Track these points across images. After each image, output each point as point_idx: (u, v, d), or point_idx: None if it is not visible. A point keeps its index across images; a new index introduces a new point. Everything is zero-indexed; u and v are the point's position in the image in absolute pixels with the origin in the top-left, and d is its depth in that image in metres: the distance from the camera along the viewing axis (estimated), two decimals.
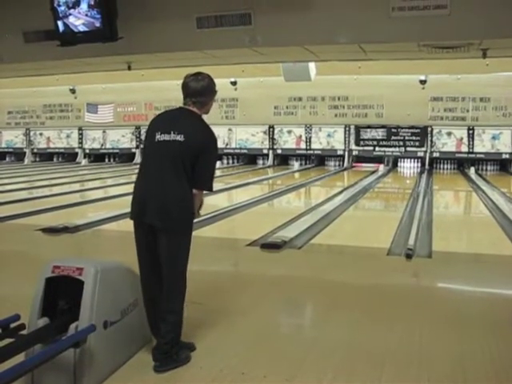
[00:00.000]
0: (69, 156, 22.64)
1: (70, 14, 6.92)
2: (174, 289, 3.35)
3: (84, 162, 21.81)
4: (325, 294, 4.90)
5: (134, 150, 21.77)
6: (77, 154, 22.45)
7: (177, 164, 3.27)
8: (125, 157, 21.88)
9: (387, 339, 3.83)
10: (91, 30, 6.94)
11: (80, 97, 21.73)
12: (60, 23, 6.99)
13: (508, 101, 17.67)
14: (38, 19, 7.22)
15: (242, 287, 5.02)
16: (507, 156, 18.04)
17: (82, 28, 6.97)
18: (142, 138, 21.50)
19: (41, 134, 22.94)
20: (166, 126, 3.39)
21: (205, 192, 3.46)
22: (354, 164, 19.50)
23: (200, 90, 3.41)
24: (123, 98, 21.28)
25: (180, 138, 3.29)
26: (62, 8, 6.92)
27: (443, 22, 5.99)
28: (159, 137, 3.37)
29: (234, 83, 19.35)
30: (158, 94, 20.46)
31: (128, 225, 8.17)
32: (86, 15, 6.88)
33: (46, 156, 23.02)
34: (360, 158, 19.66)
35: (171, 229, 3.30)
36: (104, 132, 22.15)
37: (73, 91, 21.49)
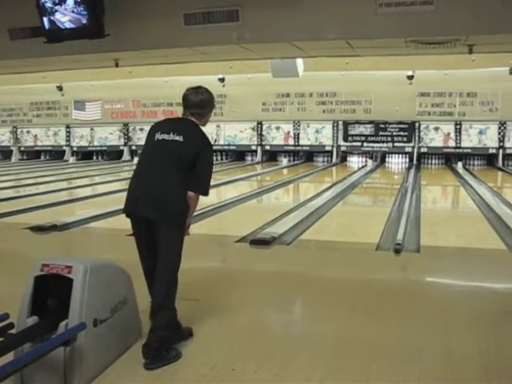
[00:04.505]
0: (56, 154, 22.51)
1: (56, 11, 6.87)
2: (164, 283, 3.40)
3: (72, 159, 21.72)
4: (314, 289, 4.92)
5: (122, 148, 21.69)
6: (64, 151, 22.34)
7: (174, 162, 3.40)
8: (113, 154, 21.80)
9: (376, 334, 3.85)
10: (78, 26, 6.88)
11: (67, 94, 21.59)
12: (46, 20, 6.93)
13: (494, 96, 17.79)
14: (23, 16, 7.16)
15: (232, 283, 5.02)
16: (494, 151, 18.19)
17: (68, 25, 6.92)
18: (130, 135, 21.48)
19: (28, 132, 22.79)
20: (166, 127, 3.56)
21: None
22: (342, 154, 19.66)
23: (199, 103, 3.59)
24: (111, 95, 21.19)
25: (179, 138, 3.45)
26: (48, 4, 6.86)
27: (429, 18, 6.01)
28: (158, 136, 3.51)
29: (222, 80, 19.32)
30: (145, 91, 20.42)
31: (117, 222, 8.14)
32: (73, 12, 6.82)
33: (33, 154, 22.90)
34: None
35: (165, 221, 3.38)
36: (92, 129, 22.05)
37: (60, 88, 21.33)
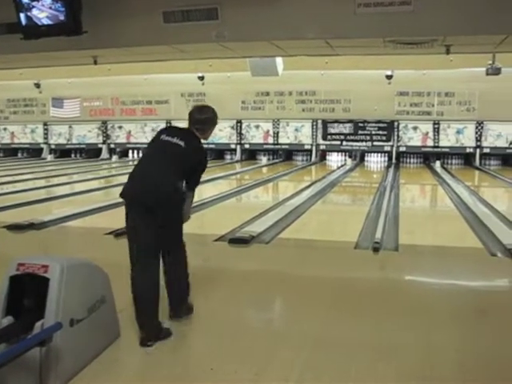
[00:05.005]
0: (34, 151, 22.24)
1: (34, 7, 6.78)
2: (177, 251, 4.00)
3: (49, 157, 21.47)
4: (293, 288, 4.93)
5: (100, 146, 21.51)
6: (42, 149, 22.10)
7: (173, 160, 3.83)
8: (91, 152, 21.61)
9: (355, 332, 3.87)
10: (55, 23, 6.80)
11: (45, 91, 21.33)
12: (23, 16, 6.84)
13: (472, 96, 17.98)
14: None
15: (210, 282, 5.00)
16: (471, 150, 18.39)
17: (45, 21, 6.84)
18: (109, 133, 21.34)
19: (5, 129, 22.48)
20: (171, 132, 4.02)
21: None
22: (321, 153, 19.76)
23: (202, 120, 4.05)
24: (89, 93, 20.99)
25: (182, 143, 3.88)
26: (25, 0, 6.78)
27: (407, 18, 6.06)
28: (163, 137, 3.96)
29: (201, 78, 19.24)
30: (124, 89, 20.29)
31: (94, 221, 8.06)
32: (50, 8, 6.74)
33: (10, 151, 22.54)
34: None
35: (162, 208, 3.72)
36: (70, 127, 21.83)
37: (37, 85, 21.07)
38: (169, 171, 3.79)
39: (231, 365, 3.30)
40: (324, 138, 19.44)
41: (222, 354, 3.48)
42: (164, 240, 3.82)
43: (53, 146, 22.12)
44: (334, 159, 19.75)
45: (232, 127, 20.11)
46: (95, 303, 3.28)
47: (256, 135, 20.13)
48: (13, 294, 2.99)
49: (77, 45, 7.06)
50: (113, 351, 3.37)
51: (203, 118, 4.07)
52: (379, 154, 19.35)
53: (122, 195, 3.84)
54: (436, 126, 18.54)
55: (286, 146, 19.98)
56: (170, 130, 4.17)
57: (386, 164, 18.74)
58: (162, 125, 20.38)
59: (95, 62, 8.55)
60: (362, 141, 19.07)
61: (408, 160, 19.23)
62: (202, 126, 4.04)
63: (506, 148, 18.11)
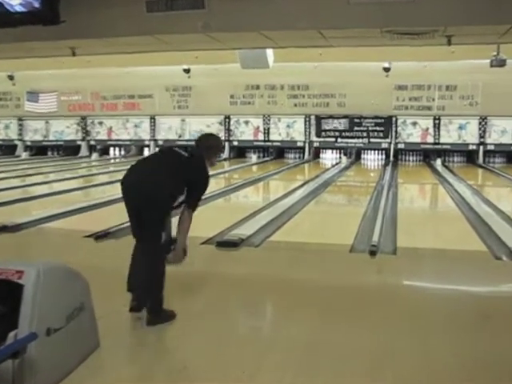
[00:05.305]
0: (7, 149, 22.12)
1: None
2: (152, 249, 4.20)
3: (24, 155, 21.40)
4: (284, 293, 4.93)
5: (79, 143, 21.47)
6: (16, 146, 21.99)
7: (174, 165, 4.30)
8: (69, 149, 21.55)
9: (351, 338, 3.89)
10: (30, 10, 6.73)
11: (19, 84, 21.21)
12: None
13: (475, 89, 18.01)
14: None
15: (198, 287, 5.01)
16: (474, 147, 18.42)
17: (18, 8, 6.76)
18: (89, 129, 21.26)
19: None
20: (178, 147, 4.67)
21: None
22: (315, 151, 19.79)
23: (206, 146, 4.54)
24: (67, 86, 20.93)
25: (185, 154, 4.41)
26: None
27: (405, 8, 6.08)
28: (170, 147, 4.60)
29: (187, 71, 19.21)
30: (105, 82, 20.23)
31: (73, 223, 8.02)
32: None
33: None
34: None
35: (149, 207, 4.07)
36: (47, 123, 21.78)
37: (11, 78, 20.95)
38: (165, 172, 4.19)
39: (221, 371, 3.33)
40: (318, 135, 19.47)
41: (211, 360, 3.49)
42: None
43: (28, 143, 22.07)
44: (329, 157, 19.80)
45: (220, 123, 20.11)
46: (74, 311, 3.26)
47: (245, 131, 20.14)
48: None
49: (54, 35, 7.01)
50: (94, 359, 3.36)
51: (207, 143, 4.56)
52: (376, 152, 19.40)
53: (121, 184, 4.23)
54: (437, 121, 18.59)
55: (278, 143, 20.01)
56: (178, 147, 4.79)
57: (383, 162, 18.80)
58: (146, 120, 20.46)
59: (73, 54, 8.51)
60: (358, 137, 19.11)
61: (407, 158, 19.29)
62: (206, 152, 4.47)
63: (511, 145, 18.19)
